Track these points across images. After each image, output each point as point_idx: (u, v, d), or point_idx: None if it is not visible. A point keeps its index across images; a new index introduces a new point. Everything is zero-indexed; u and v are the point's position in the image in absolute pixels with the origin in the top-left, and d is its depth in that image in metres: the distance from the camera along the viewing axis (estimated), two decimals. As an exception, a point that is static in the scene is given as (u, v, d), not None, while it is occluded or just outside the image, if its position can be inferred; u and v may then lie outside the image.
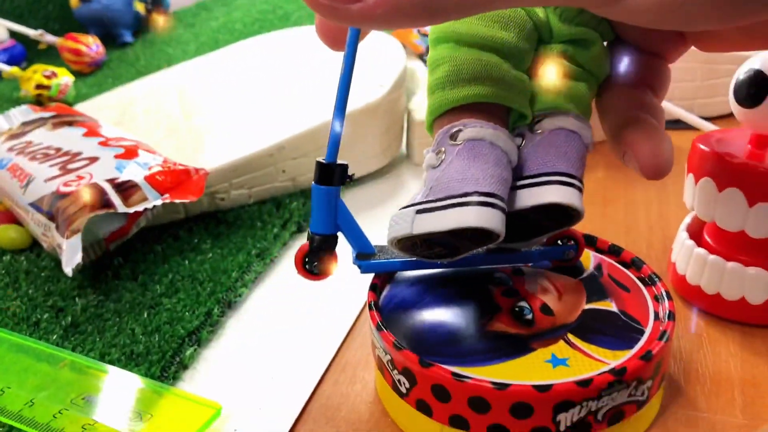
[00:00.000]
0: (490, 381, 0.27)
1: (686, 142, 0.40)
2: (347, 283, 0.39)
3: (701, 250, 0.37)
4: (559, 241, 0.33)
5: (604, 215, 0.47)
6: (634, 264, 0.34)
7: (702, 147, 0.36)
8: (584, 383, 0.27)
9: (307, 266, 0.30)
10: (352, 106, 0.50)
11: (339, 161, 0.29)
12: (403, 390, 0.30)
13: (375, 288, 0.33)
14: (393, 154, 0.55)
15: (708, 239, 0.38)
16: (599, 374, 0.27)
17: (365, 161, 0.53)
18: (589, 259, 0.35)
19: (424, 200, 0.28)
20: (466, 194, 0.27)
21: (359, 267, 0.32)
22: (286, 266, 0.44)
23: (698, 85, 0.59)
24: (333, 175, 0.29)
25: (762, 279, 0.35)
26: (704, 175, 0.35)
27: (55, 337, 0.37)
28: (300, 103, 0.53)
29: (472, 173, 0.28)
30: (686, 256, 0.37)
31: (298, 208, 0.48)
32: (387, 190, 0.53)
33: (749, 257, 0.35)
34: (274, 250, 0.44)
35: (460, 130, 0.29)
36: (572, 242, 0.33)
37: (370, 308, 0.31)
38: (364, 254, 0.31)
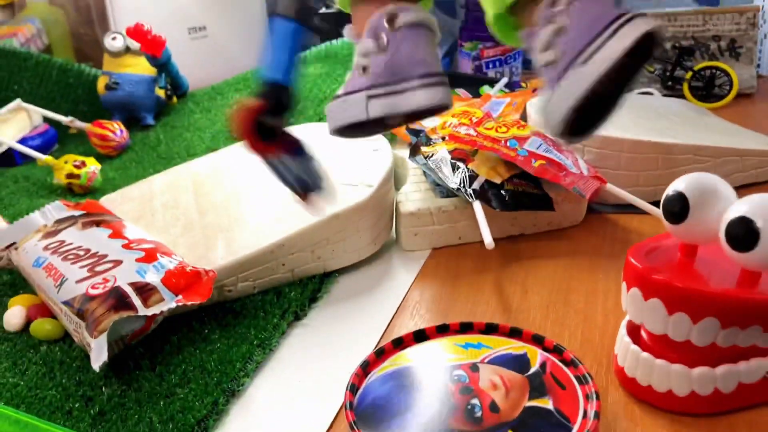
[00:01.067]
0: None
1: (640, 225, 0.45)
2: (334, 370, 0.46)
3: (636, 348, 0.42)
4: None
5: (567, 303, 0.53)
6: (573, 363, 0.40)
7: (632, 261, 0.42)
8: None
9: (261, 129, 0.29)
10: (342, 205, 0.57)
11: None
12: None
13: (353, 388, 0.39)
14: (383, 241, 0.62)
15: (644, 336, 0.44)
16: None
17: (356, 251, 0.59)
18: (536, 357, 0.41)
19: (374, 84, 0.30)
20: (420, 76, 0.30)
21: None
22: (283, 355, 0.50)
23: (660, 173, 0.65)
24: (309, 13, 0.28)
25: (685, 375, 0.40)
26: (633, 286, 0.41)
27: (85, 424, 0.44)
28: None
29: (420, 56, 0.30)
30: (624, 352, 0.43)
31: (296, 297, 0.55)
32: (377, 275, 0.59)
33: (674, 356, 0.41)
34: (273, 340, 0.51)
35: (395, 15, 0.30)
36: None
37: (346, 408, 0.38)
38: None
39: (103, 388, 0.47)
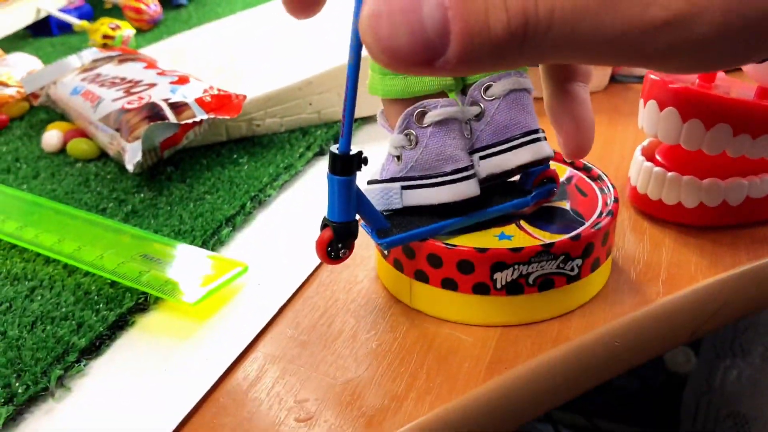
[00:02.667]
0: (443, 242, 0.35)
1: None
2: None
3: (648, 164, 0.44)
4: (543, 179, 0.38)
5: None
6: (599, 178, 0.41)
7: (651, 77, 0.43)
8: (516, 250, 0.34)
9: (332, 254, 0.31)
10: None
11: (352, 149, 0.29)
12: (385, 252, 0.38)
13: None
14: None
15: (658, 158, 0.45)
16: (530, 246, 0.34)
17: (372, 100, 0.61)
18: (565, 172, 0.42)
19: (406, 176, 0.34)
20: (446, 173, 0.33)
21: (382, 245, 0.34)
22: (307, 177, 0.52)
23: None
24: (352, 165, 0.29)
25: (695, 186, 0.42)
26: (650, 99, 0.42)
27: (118, 218, 0.46)
28: (326, 45, 0.61)
29: (448, 153, 0.33)
30: (638, 170, 0.45)
31: (321, 135, 0.57)
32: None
33: (686, 169, 0.42)
34: (299, 165, 0.53)
35: (424, 112, 0.33)
36: (551, 181, 0.38)
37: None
38: (382, 230, 0.34)
39: (136, 194, 0.49)
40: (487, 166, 0.35)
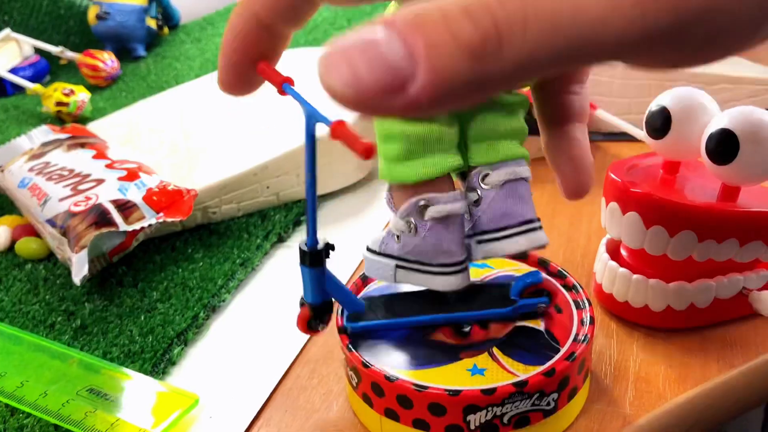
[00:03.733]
0: (413, 383, 0.33)
1: (629, 152, 0.45)
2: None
3: (613, 263, 0.42)
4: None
5: (551, 225, 0.53)
6: (574, 288, 0.39)
7: (611, 176, 0.41)
8: (489, 391, 0.32)
9: (312, 327, 0.35)
10: (327, 128, 0.57)
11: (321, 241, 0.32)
12: (354, 383, 0.36)
13: None
14: (369, 168, 0.62)
15: (623, 253, 0.44)
16: (503, 385, 0.33)
17: (343, 176, 0.59)
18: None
19: (402, 257, 0.34)
20: (440, 265, 0.33)
21: (349, 329, 0.37)
22: (265, 274, 0.50)
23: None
24: (321, 257, 0.32)
25: (661, 289, 0.40)
26: (612, 200, 0.41)
27: (66, 337, 0.44)
28: (282, 124, 0.59)
29: (444, 247, 0.33)
30: (603, 268, 0.43)
31: (280, 220, 0.55)
32: (360, 204, 0.59)
33: (651, 271, 0.41)
34: (256, 259, 0.51)
35: (426, 206, 0.33)
36: (541, 296, 0.38)
37: (337, 314, 0.37)
38: (355, 314, 0.37)
39: (86, 304, 0.47)
40: (483, 250, 0.35)
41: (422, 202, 0.33)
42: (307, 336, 0.44)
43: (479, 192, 0.34)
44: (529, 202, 0.35)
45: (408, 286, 0.37)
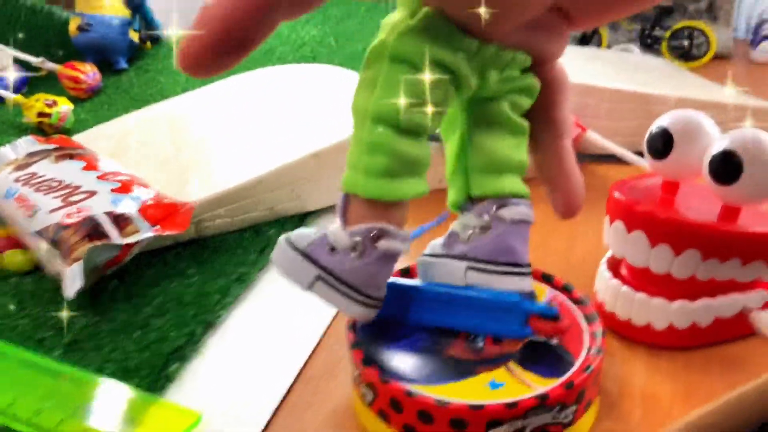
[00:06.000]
0: (434, 398, 0.33)
1: (618, 174, 0.46)
2: (312, 308, 0.46)
3: (615, 281, 0.43)
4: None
5: (547, 245, 0.53)
6: (581, 302, 0.39)
7: (616, 195, 0.42)
8: (512, 405, 0.32)
9: None
10: (322, 144, 0.57)
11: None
12: (368, 400, 0.36)
13: None
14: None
15: (624, 272, 0.44)
16: (526, 398, 0.32)
17: (334, 194, 0.59)
18: (544, 293, 0.41)
19: (330, 272, 0.32)
20: (367, 296, 0.33)
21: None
22: (262, 289, 0.50)
23: (639, 123, 0.65)
24: None
25: (664, 308, 0.41)
26: (616, 219, 0.41)
27: (57, 353, 0.43)
28: (276, 138, 0.59)
29: (380, 281, 0.33)
30: (604, 286, 0.43)
31: (274, 235, 0.54)
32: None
33: (654, 289, 0.41)
34: (252, 275, 0.50)
35: (379, 237, 0.32)
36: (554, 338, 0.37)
37: (348, 328, 0.37)
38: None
39: (76, 319, 0.46)
40: (474, 277, 0.35)
41: (374, 233, 0.31)
42: (307, 353, 0.43)
43: (490, 222, 0.35)
44: (527, 247, 0.36)
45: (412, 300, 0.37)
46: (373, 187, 0.31)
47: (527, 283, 0.35)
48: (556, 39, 0.33)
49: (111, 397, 0.39)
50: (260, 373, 0.42)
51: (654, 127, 0.43)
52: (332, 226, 0.33)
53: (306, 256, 0.33)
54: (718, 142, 0.40)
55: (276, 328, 0.46)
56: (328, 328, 0.45)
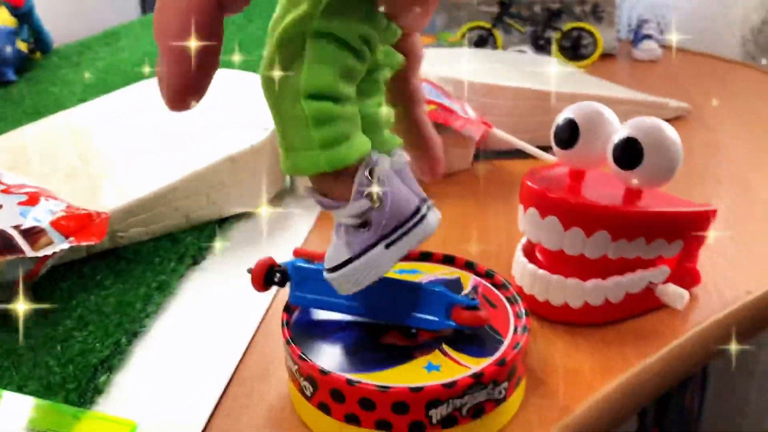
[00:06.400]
0: (375, 385, 0.34)
1: (524, 168, 0.48)
2: (239, 309, 0.45)
3: (532, 266, 0.45)
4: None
5: (461, 238, 0.55)
6: (503, 286, 0.41)
7: (529, 184, 0.44)
8: (450, 385, 0.34)
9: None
10: (237, 147, 0.56)
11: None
12: (308, 393, 0.36)
13: (287, 309, 0.39)
14: (279, 188, 0.62)
15: (539, 256, 0.47)
16: (462, 377, 0.34)
17: (253, 197, 0.59)
18: (469, 280, 0.42)
19: (383, 234, 0.31)
20: (418, 206, 0.32)
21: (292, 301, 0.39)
22: (184, 297, 0.49)
23: (540, 119, 0.69)
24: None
25: (579, 287, 0.43)
26: (530, 206, 0.43)
27: (-28, 374, 0.41)
28: (189, 144, 0.58)
29: (411, 188, 0.32)
30: (522, 271, 0.46)
31: (192, 243, 0.54)
32: (275, 222, 0.59)
33: (569, 270, 0.44)
34: (173, 283, 0.49)
35: (372, 176, 0.31)
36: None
37: (283, 326, 0.37)
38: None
39: (-11, 338, 0.44)
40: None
41: (366, 180, 0.31)
42: (239, 355, 0.43)
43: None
44: (416, 184, 0.34)
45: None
46: (340, 156, 0.30)
47: (436, 215, 0.34)
48: (429, 13, 0.33)
49: (37, 415, 0.37)
50: (192, 378, 0.41)
51: (560, 119, 0.46)
52: (339, 219, 0.32)
53: (361, 254, 0.32)
54: (620, 131, 0.43)
55: (204, 334, 0.45)
56: (257, 330, 0.45)
